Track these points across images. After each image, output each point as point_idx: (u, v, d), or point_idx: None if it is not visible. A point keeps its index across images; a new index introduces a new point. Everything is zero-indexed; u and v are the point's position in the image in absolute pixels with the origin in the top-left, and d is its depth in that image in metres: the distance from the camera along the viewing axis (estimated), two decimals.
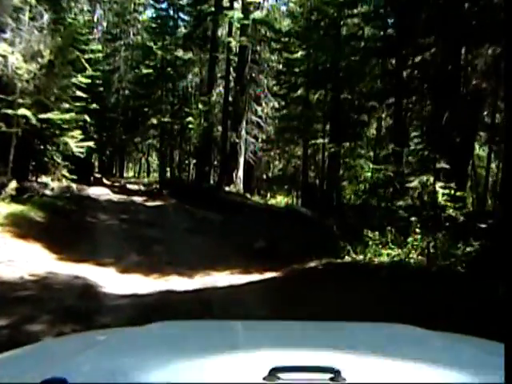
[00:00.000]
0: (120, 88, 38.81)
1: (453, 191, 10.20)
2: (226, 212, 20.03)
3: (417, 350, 1.84)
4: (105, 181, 29.89)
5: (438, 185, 10.11)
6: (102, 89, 30.15)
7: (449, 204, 10.10)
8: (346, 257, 10.73)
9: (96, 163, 45.37)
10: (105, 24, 43.34)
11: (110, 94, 37.81)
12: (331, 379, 1.33)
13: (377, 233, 10.62)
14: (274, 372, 1.34)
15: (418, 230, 10.21)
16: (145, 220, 17.32)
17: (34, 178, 19.98)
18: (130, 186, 30.15)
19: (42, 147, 19.26)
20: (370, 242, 10.59)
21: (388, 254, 10.18)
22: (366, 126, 18.87)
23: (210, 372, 1.47)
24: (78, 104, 21.68)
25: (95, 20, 40.51)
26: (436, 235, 9.77)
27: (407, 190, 10.98)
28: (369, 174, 12.39)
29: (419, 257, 9.91)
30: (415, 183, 10.53)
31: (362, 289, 8.56)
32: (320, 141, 15.95)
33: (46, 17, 16.60)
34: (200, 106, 24.88)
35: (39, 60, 15.39)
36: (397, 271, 9.23)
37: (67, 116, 15.44)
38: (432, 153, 10.32)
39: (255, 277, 10.79)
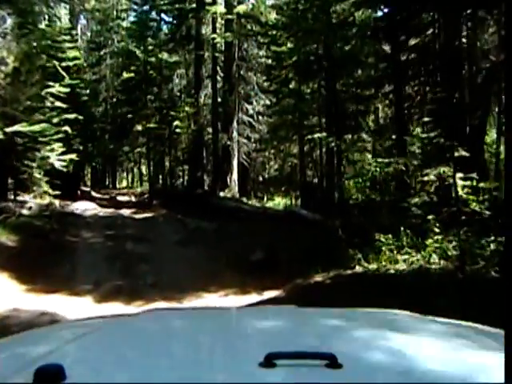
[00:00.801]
0: (108, 97, 37.37)
1: (475, 182, 8.77)
2: (221, 219, 18.60)
3: (413, 336, 1.77)
4: (93, 194, 28.44)
5: (458, 176, 8.66)
6: (86, 98, 28.72)
7: (471, 197, 8.67)
8: (357, 266, 9.29)
9: (88, 176, 44.31)
10: (89, 34, 42.13)
11: (97, 103, 36.47)
12: (327, 365, 1.30)
13: (390, 236, 9.17)
14: (270, 358, 1.30)
15: (437, 230, 8.78)
16: (132, 235, 15.88)
17: (12, 197, 18.61)
18: (120, 198, 28.71)
19: (18, 163, 17.82)
20: (384, 248, 9.15)
21: (405, 260, 8.75)
22: (364, 115, 17.44)
23: (205, 359, 1.47)
24: (55, 114, 20.43)
25: (79, 30, 39.51)
26: (460, 234, 8.34)
27: (421, 184, 9.53)
28: (374, 169, 10.84)
29: (442, 261, 8.48)
30: (431, 176, 9.06)
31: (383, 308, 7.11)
32: (317, 135, 14.45)
33: (10, 21, 15.18)
34: (187, 108, 23.40)
35: (2, 68, 13.96)
36: (419, 281, 7.80)
37: (37, 127, 13.92)
38: (448, 140, 8.85)
39: (253, 298, 9.37)
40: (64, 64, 22.29)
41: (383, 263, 8.92)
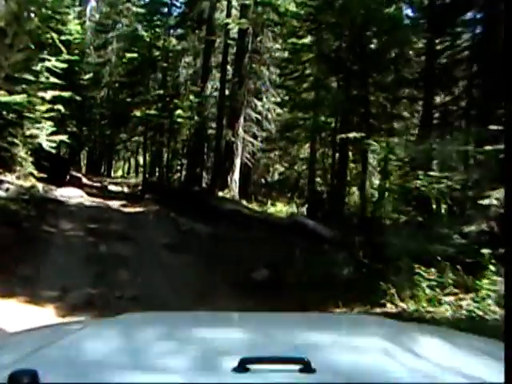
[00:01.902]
0: (110, 82, 35.59)
1: None
2: (218, 222, 16.73)
3: (386, 341, 1.76)
4: (84, 180, 26.53)
5: None
6: (87, 80, 26.91)
7: None
8: (388, 304, 7.42)
9: (84, 162, 42.56)
10: (97, 16, 40.48)
11: (99, 87, 34.78)
12: (301, 370, 1.33)
13: (433, 270, 7.30)
14: (244, 363, 1.33)
15: (492, 268, 6.94)
16: (117, 231, 14.00)
17: None
18: (111, 188, 26.80)
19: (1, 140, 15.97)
20: (424, 283, 7.26)
21: (450, 304, 6.89)
22: (400, 119, 15.55)
23: (179, 364, 1.46)
24: (48, 86, 18.64)
25: (88, 10, 37.88)
26: None
27: (477, 209, 7.67)
28: (423, 183, 8.83)
29: (499, 309, 6.62)
30: (493, 199, 7.19)
31: None
32: (353, 134, 12.42)
33: None
34: (192, 97, 21.48)
35: None
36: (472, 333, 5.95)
37: (19, 98, 12.00)
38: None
39: None
40: (63, 38, 20.43)
41: (423, 303, 7.04)
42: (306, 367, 1.32)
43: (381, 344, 1.70)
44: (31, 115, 16.44)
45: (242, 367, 1.32)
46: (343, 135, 13.09)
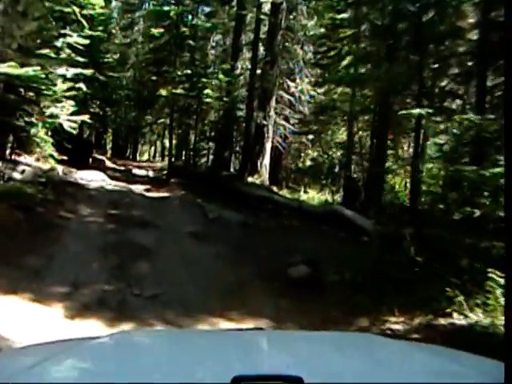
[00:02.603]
0: (136, 63, 34.60)
1: None
2: (248, 209, 15.61)
3: (380, 359, 1.83)
4: (108, 163, 25.52)
5: None
6: (111, 60, 25.82)
7: None
8: (455, 314, 6.19)
9: (109, 145, 41.75)
10: None
11: (125, 69, 33.80)
12: None
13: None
14: (237, 381, 1.33)
15: None
16: (139, 218, 12.91)
17: (12, 158, 15.80)
18: (136, 171, 25.74)
19: (15, 117, 14.93)
20: (497, 290, 6.00)
21: None
22: (456, 97, 14.11)
23: (173, 382, 1.45)
24: (68, 59, 17.58)
25: None
26: None
27: None
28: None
29: None
30: None
31: None
32: (417, 111, 10.97)
33: None
34: (221, 76, 20.22)
35: None
36: None
37: (31, 71, 10.87)
38: None
39: None
40: (86, 12, 19.32)
41: (498, 315, 5.80)
42: None
43: (373, 362, 1.77)
44: (50, 93, 15.37)
45: None
46: (403, 112, 11.62)
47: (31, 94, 13.73)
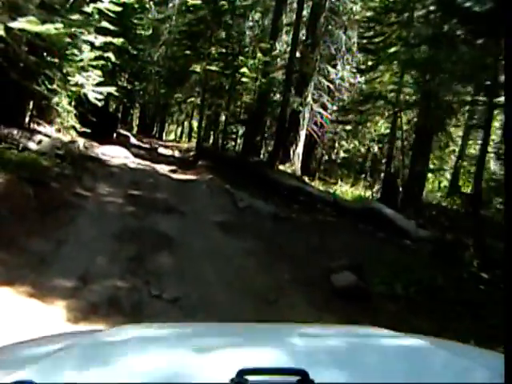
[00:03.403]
0: (168, 40, 33.46)
1: None
2: (280, 200, 14.46)
3: (387, 353, 1.82)
4: (133, 140, 24.42)
5: None
6: (140, 28, 24.63)
7: None
8: None
9: (136, 122, 40.77)
10: None
11: (157, 44, 32.71)
12: (299, 381, 1.31)
13: None
14: (242, 374, 1.31)
15: None
16: (163, 201, 11.75)
17: (30, 126, 14.74)
18: (161, 150, 24.62)
19: (34, 82, 13.78)
20: None
21: None
22: None
23: (176, 376, 1.45)
24: (100, 37, 16.56)
25: None
26: None
27: None
28: None
29: None
30: None
31: None
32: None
33: None
34: (259, 54, 18.88)
35: None
36: None
37: (52, 28, 9.61)
38: None
39: None
40: None
41: None
42: (305, 379, 1.30)
43: (380, 355, 1.74)
44: (76, 58, 14.23)
45: (240, 378, 1.29)
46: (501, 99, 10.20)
47: (53, 57, 12.52)
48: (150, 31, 29.81)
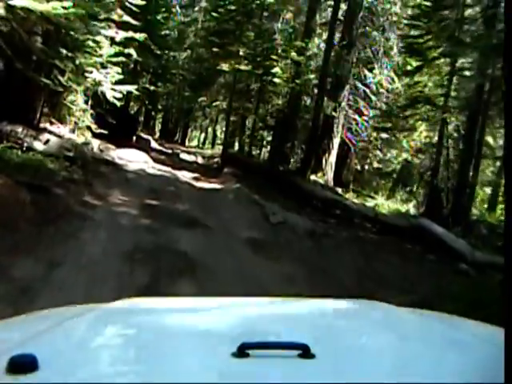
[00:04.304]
0: (194, 43, 32.32)
1: None
2: (313, 213, 12.88)
3: (387, 327, 1.83)
4: (153, 144, 22.99)
5: None
6: (165, 28, 23.32)
7: None
8: None
9: (158, 127, 39.55)
10: None
11: (182, 48, 31.57)
12: (300, 355, 1.30)
13: None
14: (243, 348, 1.30)
15: None
16: (184, 213, 10.21)
17: (40, 125, 13.34)
18: (183, 156, 23.16)
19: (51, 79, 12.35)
20: None
21: None
22: None
23: (179, 349, 1.45)
24: (121, 32, 15.35)
25: None
26: None
27: None
28: None
29: None
30: None
31: None
32: None
33: None
34: (293, 53, 17.23)
35: None
36: None
37: (59, 8, 8.04)
38: None
39: None
40: None
41: None
42: (306, 353, 1.29)
43: (379, 329, 1.75)
44: (90, 48, 12.84)
45: (242, 352, 1.28)
46: None
47: (64, 47, 11.08)
48: (176, 34, 28.81)
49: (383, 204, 19.32)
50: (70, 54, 11.34)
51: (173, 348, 1.44)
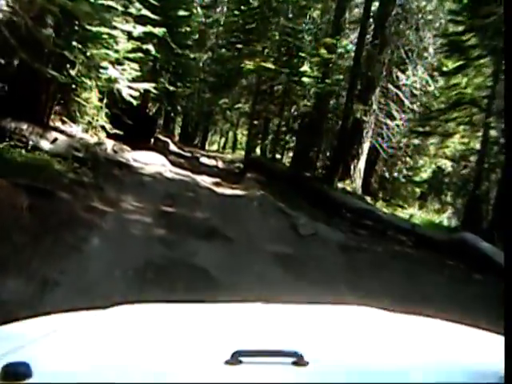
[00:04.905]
0: (215, 45, 31.52)
1: None
2: (343, 224, 11.82)
3: (380, 332, 1.83)
4: (172, 147, 21.96)
5: None
6: (186, 26, 22.34)
7: None
8: None
9: (178, 129, 38.69)
10: None
11: (203, 50, 30.72)
12: (293, 363, 1.30)
13: None
14: (237, 355, 1.30)
15: None
16: (203, 222, 9.14)
17: (53, 123, 12.39)
18: (203, 160, 22.10)
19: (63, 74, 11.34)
20: None
21: None
22: None
23: (171, 356, 1.42)
24: (139, 27, 14.44)
25: None
26: None
27: None
28: None
29: None
30: None
31: None
32: None
33: None
34: (323, 50, 16.07)
35: None
36: None
37: None
38: None
39: None
40: None
41: None
42: (299, 360, 1.29)
43: (373, 335, 1.74)
44: (107, 44, 11.94)
45: (235, 359, 1.28)
46: None
47: (74, 34, 10.10)
48: (197, 35, 28.11)
49: (414, 214, 18.20)
50: (80, 46, 10.34)
51: (166, 354, 1.41)
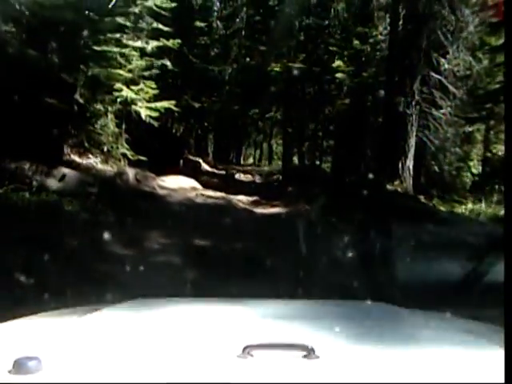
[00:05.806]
0: (239, 55, 30.41)
1: None
2: (408, 234, 10.17)
3: (391, 328, 1.81)
4: (204, 167, 20.76)
5: None
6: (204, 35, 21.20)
7: None
8: None
9: (211, 147, 37.77)
10: None
11: (226, 62, 29.68)
12: (304, 356, 1.28)
13: None
14: (248, 349, 1.29)
15: None
16: (243, 254, 7.68)
17: (69, 158, 11.18)
18: (239, 176, 20.90)
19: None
20: None
21: None
22: None
23: (184, 351, 1.39)
24: (152, 41, 13.48)
25: None
26: None
27: None
28: None
29: None
30: None
31: None
32: None
33: None
34: (357, 41, 14.61)
35: None
36: None
37: None
38: None
39: None
40: None
41: None
42: (310, 353, 1.28)
43: (385, 330, 1.73)
44: (115, 63, 10.78)
45: (247, 353, 1.27)
46: None
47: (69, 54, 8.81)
48: (219, 48, 26.87)
49: (475, 209, 16.59)
50: (81, 66, 9.04)
51: (177, 349, 1.40)
